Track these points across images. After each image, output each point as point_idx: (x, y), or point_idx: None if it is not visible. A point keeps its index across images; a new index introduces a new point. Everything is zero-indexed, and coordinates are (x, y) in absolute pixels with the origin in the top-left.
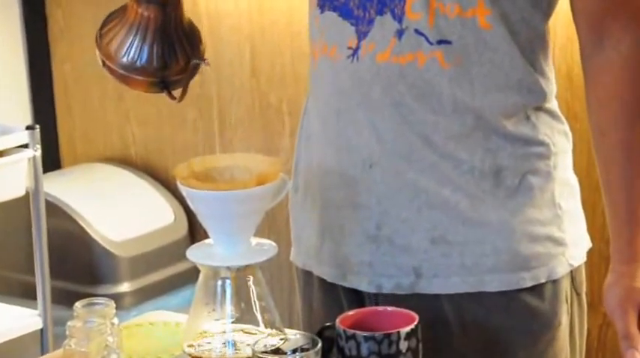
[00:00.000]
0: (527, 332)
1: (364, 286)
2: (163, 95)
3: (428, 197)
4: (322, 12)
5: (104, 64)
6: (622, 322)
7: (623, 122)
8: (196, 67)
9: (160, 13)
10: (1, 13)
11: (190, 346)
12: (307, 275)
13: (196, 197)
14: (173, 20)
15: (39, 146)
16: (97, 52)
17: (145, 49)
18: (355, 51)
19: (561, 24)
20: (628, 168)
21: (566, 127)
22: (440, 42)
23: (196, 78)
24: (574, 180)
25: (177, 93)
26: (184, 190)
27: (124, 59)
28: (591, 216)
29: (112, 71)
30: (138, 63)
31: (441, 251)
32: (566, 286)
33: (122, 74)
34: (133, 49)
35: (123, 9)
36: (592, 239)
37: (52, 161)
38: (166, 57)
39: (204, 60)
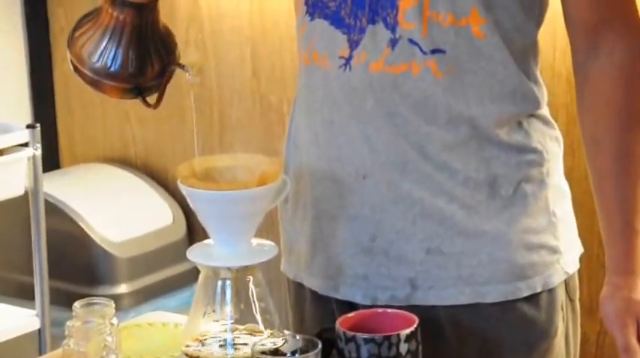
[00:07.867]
0: (523, 343)
1: (359, 298)
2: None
3: (423, 208)
4: (312, 19)
5: (76, 68)
6: (621, 335)
7: (617, 131)
8: (172, 73)
9: (135, 16)
10: (2, 11)
11: (189, 346)
12: (298, 287)
13: (197, 197)
14: (149, 24)
15: (39, 145)
16: (69, 56)
17: (120, 53)
18: (348, 60)
19: (562, 27)
20: (622, 177)
21: (557, 133)
22: (433, 51)
23: (196, 79)
24: (565, 186)
25: (152, 99)
26: (185, 190)
27: (98, 64)
28: (589, 222)
29: (83, 76)
30: (112, 68)
31: (436, 262)
32: (561, 294)
33: (95, 79)
34: (107, 54)
35: (97, 11)
36: (590, 244)
37: (51, 161)
38: (141, 62)
39: (184, 66)
